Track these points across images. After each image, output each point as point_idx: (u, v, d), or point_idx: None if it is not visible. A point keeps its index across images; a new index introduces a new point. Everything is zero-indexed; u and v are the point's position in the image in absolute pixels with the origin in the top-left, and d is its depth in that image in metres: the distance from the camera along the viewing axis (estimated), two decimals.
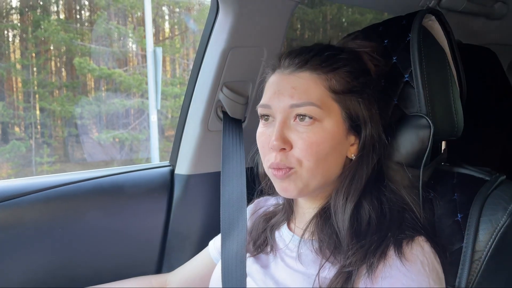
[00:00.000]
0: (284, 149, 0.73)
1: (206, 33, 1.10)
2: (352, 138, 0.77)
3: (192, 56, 5.99)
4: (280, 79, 0.77)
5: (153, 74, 4.93)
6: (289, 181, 0.74)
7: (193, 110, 1.15)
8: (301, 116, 0.73)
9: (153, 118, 4.96)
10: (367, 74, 0.79)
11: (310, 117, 0.73)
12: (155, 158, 5.19)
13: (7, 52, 5.58)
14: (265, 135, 0.77)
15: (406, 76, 0.82)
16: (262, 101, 0.79)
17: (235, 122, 1.12)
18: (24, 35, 5.71)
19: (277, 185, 0.77)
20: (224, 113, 1.13)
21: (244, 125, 1.15)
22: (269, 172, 0.77)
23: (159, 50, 4.92)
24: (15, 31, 5.65)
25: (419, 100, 0.80)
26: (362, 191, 0.75)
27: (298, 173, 0.74)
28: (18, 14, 5.61)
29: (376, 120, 0.77)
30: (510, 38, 1.42)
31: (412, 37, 0.82)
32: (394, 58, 0.84)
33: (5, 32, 5.53)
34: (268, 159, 0.76)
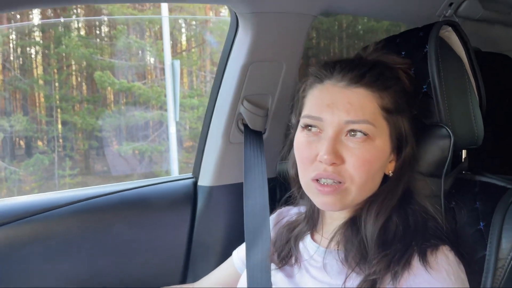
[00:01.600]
0: (335, 163, 0.73)
1: (227, 49, 1.13)
2: (392, 155, 0.78)
3: (209, 67, 6.07)
4: (334, 92, 0.76)
5: (172, 87, 5.00)
6: (334, 197, 0.74)
7: (214, 123, 1.18)
8: (354, 132, 0.73)
9: (172, 129, 5.03)
10: (408, 92, 0.80)
11: (364, 134, 0.73)
12: (174, 169, 5.24)
13: (30, 68, 5.74)
14: (309, 146, 0.76)
15: (424, 87, 0.84)
16: (311, 112, 0.77)
17: (255, 134, 1.15)
18: (46, 52, 5.87)
19: (319, 199, 0.76)
20: (245, 125, 1.16)
21: (264, 136, 1.17)
22: (311, 186, 0.77)
23: (177, 63, 4.99)
24: (37, 48, 5.82)
25: (438, 110, 0.82)
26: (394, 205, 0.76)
27: (348, 189, 0.74)
28: (40, 32, 5.78)
29: (413, 138, 0.79)
30: None
31: (430, 48, 0.83)
32: (412, 69, 0.86)
33: (28, 49, 5.70)
34: (312, 171, 0.75)
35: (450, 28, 0.88)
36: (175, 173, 5.19)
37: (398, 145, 0.78)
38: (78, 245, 1.07)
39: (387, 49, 0.86)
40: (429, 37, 0.84)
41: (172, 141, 5.10)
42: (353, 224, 0.78)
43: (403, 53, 0.88)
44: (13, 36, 5.53)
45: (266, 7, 1.02)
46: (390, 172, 0.79)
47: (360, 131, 0.73)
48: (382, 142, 0.75)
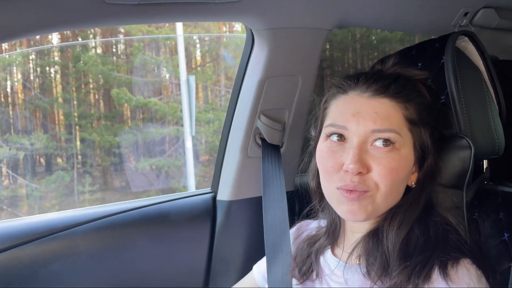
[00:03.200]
0: (361, 172, 0.73)
1: (243, 64, 1.15)
2: (414, 167, 0.78)
3: (224, 82, 6.12)
4: (359, 102, 0.76)
5: (187, 102, 5.06)
6: (360, 204, 0.74)
7: (232, 138, 1.19)
8: (380, 141, 0.73)
9: (188, 144, 5.07)
10: (429, 104, 0.80)
11: (391, 143, 0.73)
12: (191, 184, 5.27)
13: (49, 87, 5.88)
14: (333, 156, 0.76)
15: (442, 98, 0.84)
16: (335, 121, 0.77)
17: (273, 148, 1.16)
18: (65, 70, 6.00)
19: (343, 207, 0.76)
20: (262, 139, 1.17)
21: (281, 150, 1.18)
22: (335, 193, 0.76)
23: (192, 78, 5.06)
24: (56, 67, 5.96)
25: (457, 121, 0.81)
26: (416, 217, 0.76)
27: (372, 197, 0.74)
28: (59, 51, 5.93)
29: (435, 150, 0.79)
30: None
31: (446, 59, 0.83)
32: (429, 80, 0.86)
33: (47, 68, 5.85)
34: (338, 181, 0.75)
35: (466, 38, 0.88)
36: (192, 187, 5.22)
37: (421, 156, 0.78)
38: (101, 262, 1.09)
39: (403, 61, 0.87)
40: (446, 48, 0.84)
41: (189, 155, 5.15)
42: (374, 236, 0.77)
43: (419, 64, 0.89)
44: (33, 56, 5.69)
45: (280, 23, 1.04)
46: (412, 183, 0.79)
47: (387, 140, 0.73)
48: (407, 152, 0.75)
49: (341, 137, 0.76)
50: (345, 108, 0.77)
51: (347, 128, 0.76)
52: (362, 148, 0.74)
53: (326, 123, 0.80)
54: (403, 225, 0.75)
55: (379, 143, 0.74)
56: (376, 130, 0.74)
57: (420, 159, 0.78)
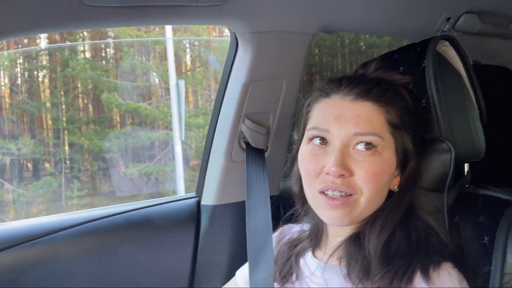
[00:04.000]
0: (343, 175, 0.73)
1: (227, 68, 1.15)
2: (396, 171, 0.78)
3: (214, 86, 6.12)
4: (341, 105, 0.76)
5: (177, 106, 5.04)
6: (343, 211, 0.74)
7: (217, 142, 1.19)
8: (362, 145, 0.73)
9: (178, 149, 5.05)
10: (410, 108, 0.80)
11: (373, 147, 0.73)
12: (180, 188, 5.25)
13: (37, 91, 5.82)
14: (315, 159, 0.76)
15: (423, 101, 0.84)
16: (318, 124, 0.78)
17: (257, 152, 1.15)
18: (53, 75, 5.95)
19: (327, 213, 0.76)
20: (247, 143, 1.17)
21: (266, 154, 1.18)
22: (318, 199, 0.76)
23: (182, 83, 5.04)
24: (44, 71, 5.91)
25: (438, 124, 0.82)
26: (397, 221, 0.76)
27: (356, 202, 0.74)
28: (47, 55, 5.88)
29: (417, 154, 0.79)
30: None
31: (427, 63, 0.84)
32: (410, 84, 0.86)
33: (35, 72, 5.79)
34: (319, 183, 0.75)
35: (447, 43, 0.89)
36: (181, 192, 5.19)
37: (403, 160, 0.78)
38: (84, 267, 1.07)
39: (386, 65, 0.87)
40: (427, 52, 0.85)
41: (178, 160, 5.12)
42: (356, 240, 0.77)
43: (401, 68, 0.89)
44: (21, 60, 5.63)
45: (265, 27, 1.04)
46: (395, 187, 0.79)
47: (369, 143, 0.73)
48: (389, 156, 0.76)
49: (323, 141, 0.76)
50: (328, 111, 0.77)
51: (330, 131, 0.76)
52: (344, 151, 0.74)
53: (308, 126, 0.80)
54: (384, 229, 0.75)
55: (361, 147, 0.74)
56: (358, 133, 0.74)
57: (402, 163, 0.78)
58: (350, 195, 0.74)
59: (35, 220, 1.11)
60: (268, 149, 1.19)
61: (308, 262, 0.84)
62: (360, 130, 0.74)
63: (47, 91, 5.91)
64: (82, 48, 6.08)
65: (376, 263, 0.73)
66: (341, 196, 0.74)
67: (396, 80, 0.81)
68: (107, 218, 1.11)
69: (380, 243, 0.74)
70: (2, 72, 5.43)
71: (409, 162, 0.78)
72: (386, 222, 0.76)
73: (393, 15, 1.16)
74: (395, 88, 0.80)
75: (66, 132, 5.81)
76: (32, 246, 1.02)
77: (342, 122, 0.75)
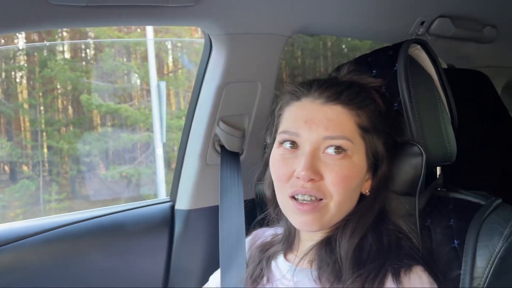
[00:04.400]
0: (313, 179, 0.72)
1: (201, 70, 1.13)
2: (367, 174, 0.78)
3: None
4: (311, 109, 0.76)
5: (158, 108, 5.00)
6: (314, 216, 0.73)
7: (191, 145, 1.17)
8: (332, 148, 0.73)
9: (159, 151, 5.00)
10: (382, 112, 0.80)
11: (343, 151, 0.73)
12: (161, 191, 5.20)
13: (14, 92, 5.69)
14: (285, 163, 0.75)
15: (395, 104, 0.84)
16: (288, 128, 0.77)
17: (232, 155, 1.14)
18: (31, 76, 5.84)
19: (297, 219, 0.75)
20: (222, 146, 1.15)
21: (241, 157, 1.16)
22: (289, 204, 0.75)
23: (163, 84, 5.00)
24: (22, 72, 5.79)
25: (410, 128, 0.82)
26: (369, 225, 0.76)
27: (326, 206, 0.74)
28: (25, 55, 5.76)
29: (388, 157, 0.79)
30: (501, 61, 1.44)
31: (399, 67, 0.84)
32: (383, 87, 0.86)
33: (13, 73, 5.67)
34: (289, 187, 0.74)
35: (419, 46, 0.89)
36: (162, 195, 5.14)
37: (374, 164, 0.78)
38: (51, 276, 1.04)
39: (359, 68, 0.87)
40: (398, 56, 0.85)
41: (159, 163, 5.07)
42: (327, 244, 0.77)
43: (374, 71, 0.89)
44: None
45: (238, 29, 1.03)
46: (366, 191, 0.79)
47: (339, 147, 0.73)
48: (359, 159, 0.75)
49: (294, 144, 0.76)
50: (298, 115, 0.77)
51: (300, 135, 0.75)
52: (314, 155, 0.73)
53: (279, 130, 0.79)
54: (355, 233, 0.75)
55: (331, 151, 0.73)
56: (328, 137, 0.73)
57: (373, 166, 0.78)
58: (320, 199, 0.73)
59: None
60: (243, 152, 1.18)
61: (280, 265, 0.83)
62: (330, 133, 0.73)
63: (25, 92, 5.80)
64: (61, 49, 5.98)
65: (347, 267, 0.72)
66: (311, 200, 0.73)
67: (368, 83, 0.81)
68: (76, 224, 1.08)
69: (352, 247, 0.74)
70: None
71: (380, 166, 0.77)
72: (358, 226, 0.75)
73: (368, 18, 1.16)
74: (367, 91, 0.79)
75: (44, 134, 5.70)
76: None
77: (312, 126, 0.74)
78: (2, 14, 0.77)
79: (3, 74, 5.56)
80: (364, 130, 0.76)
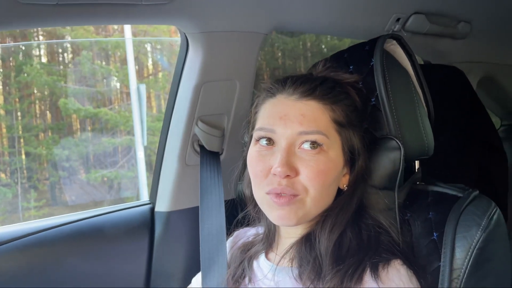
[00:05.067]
0: (289, 175, 0.72)
1: (178, 69, 1.12)
2: (344, 169, 0.78)
3: None
4: (286, 105, 0.76)
5: (138, 111, 4.94)
6: (290, 209, 0.73)
7: (170, 146, 1.15)
8: (308, 144, 0.73)
9: (140, 154, 4.94)
10: (358, 107, 0.80)
11: (318, 146, 0.73)
12: (144, 194, 5.14)
13: None
14: (262, 160, 0.75)
15: (372, 99, 0.84)
16: (264, 125, 0.77)
17: (212, 155, 1.13)
18: (7, 81, 5.71)
19: (274, 213, 0.75)
20: (201, 146, 1.14)
21: (222, 157, 1.15)
22: (266, 199, 0.75)
23: (143, 87, 4.94)
24: None
25: (387, 122, 0.82)
26: (348, 220, 0.75)
27: (302, 201, 0.73)
28: (0, 60, 5.63)
29: (365, 152, 0.79)
30: (475, 56, 1.47)
31: (375, 62, 0.84)
32: (360, 83, 0.86)
33: None
34: (266, 185, 0.74)
35: (394, 42, 0.89)
36: (144, 198, 5.08)
37: (351, 158, 0.78)
38: (29, 282, 1.01)
39: (336, 64, 0.87)
40: (375, 51, 0.85)
41: (141, 166, 5.01)
42: (307, 241, 0.77)
43: (351, 67, 0.89)
44: None
45: (214, 27, 1.01)
46: (344, 186, 0.79)
47: (314, 142, 0.73)
48: (335, 154, 0.75)
49: (270, 141, 0.75)
50: (273, 111, 0.77)
51: (275, 131, 0.75)
52: (290, 151, 0.73)
53: (255, 127, 0.79)
54: (335, 228, 0.75)
55: (306, 146, 0.73)
56: (303, 132, 0.73)
57: (350, 161, 0.78)
58: (295, 195, 0.73)
59: None
60: (223, 152, 1.17)
61: (261, 264, 0.83)
62: (305, 129, 0.73)
63: (1, 98, 5.66)
64: (37, 53, 5.87)
65: (327, 263, 0.72)
66: (288, 195, 0.73)
67: (343, 79, 0.81)
68: (54, 229, 1.05)
69: (331, 243, 0.74)
70: None
71: (357, 161, 0.78)
72: (336, 221, 0.75)
73: (344, 15, 1.16)
74: (341, 86, 0.79)
75: (22, 140, 5.58)
76: None
77: (287, 122, 0.74)
78: None
79: None
80: (340, 125, 0.76)
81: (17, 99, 5.64)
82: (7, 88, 5.64)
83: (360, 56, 0.88)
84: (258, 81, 1.16)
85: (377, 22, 1.19)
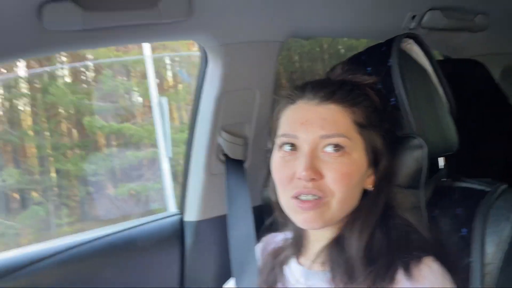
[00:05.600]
0: (314, 179, 0.73)
1: (199, 82, 1.15)
2: (369, 170, 0.78)
3: None
4: (307, 110, 0.77)
5: (161, 124, 5.02)
6: (315, 212, 0.74)
7: (195, 156, 1.18)
8: (331, 147, 0.74)
9: (165, 166, 5.01)
10: (378, 108, 0.81)
11: (341, 148, 0.74)
12: (171, 206, 5.20)
13: (18, 120, 5.75)
14: (286, 166, 0.77)
15: (392, 100, 0.84)
16: (286, 131, 0.78)
17: (237, 163, 1.15)
18: (34, 103, 5.89)
19: (299, 216, 0.76)
20: (226, 155, 1.16)
21: (246, 165, 1.17)
22: (291, 203, 0.76)
23: (165, 100, 5.02)
24: (24, 99, 5.84)
25: (408, 121, 0.82)
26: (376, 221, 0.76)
27: (327, 204, 0.74)
28: (27, 83, 5.82)
29: (388, 152, 0.79)
30: (495, 48, 1.45)
31: (393, 62, 0.84)
32: (378, 83, 0.87)
33: (15, 101, 5.72)
34: (291, 189, 0.75)
35: (411, 41, 0.89)
36: (172, 209, 5.14)
37: (374, 159, 0.78)
38: None
39: (354, 67, 0.88)
40: (391, 51, 0.86)
41: (166, 178, 5.07)
42: (338, 243, 0.77)
43: (368, 69, 0.90)
44: (0, 90, 5.58)
45: (232, 39, 1.04)
46: (370, 186, 0.79)
47: (337, 145, 0.74)
48: (358, 156, 0.76)
49: (293, 147, 0.77)
50: (294, 117, 0.78)
51: (297, 137, 0.76)
52: (313, 155, 0.74)
53: (278, 134, 0.80)
54: (364, 230, 0.75)
55: (329, 149, 0.74)
56: (324, 136, 0.74)
57: (374, 161, 0.78)
58: (321, 197, 0.74)
59: (11, 252, 1.08)
60: (247, 159, 1.18)
61: (293, 269, 0.84)
62: (326, 132, 0.74)
63: (29, 119, 5.85)
64: (61, 74, 6.04)
65: (359, 265, 0.73)
66: (313, 198, 0.74)
67: (361, 81, 0.82)
68: (88, 244, 1.09)
69: (362, 244, 0.74)
70: None
71: (381, 161, 0.78)
72: (365, 223, 0.76)
73: (358, 17, 1.17)
74: (361, 88, 0.80)
75: (51, 159, 5.74)
76: (9, 281, 0.98)
77: (308, 127, 0.75)
78: (6, 41, 0.79)
79: (7, 104, 5.62)
80: (361, 126, 0.76)
81: (44, 120, 5.82)
82: (35, 109, 5.82)
83: (378, 57, 0.89)
84: (277, 86, 1.18)
85: (393, 21, 1.19)
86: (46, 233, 5.25)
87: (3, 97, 5.58)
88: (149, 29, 0.92)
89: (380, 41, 0.96)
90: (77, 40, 0.86)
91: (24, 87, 5.89)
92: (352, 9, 1.14)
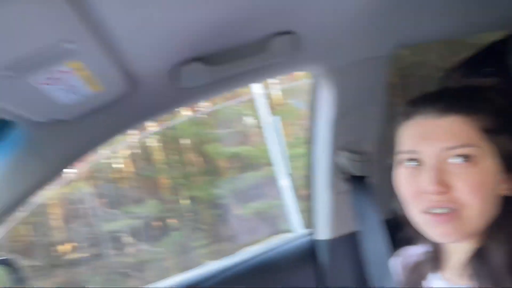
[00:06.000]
0: (442, 192, 0.72)
1: (313, 106, 1.19)
2: (504, 175, 0.75)
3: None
4: (426, 125, 0.75)
5: (276, 142, 5.19)
6: (451, 225, 0.73)
7: (318, 178, 1.23)
8: (458, 158, 0.72)
9: (284, 183, 5.14)
10: (505, 109, 0.77)
11: (469, 158, 0.72)
12: (295, 222, 5.30)
13: (151, 156, 6.43)
14: (411, 181, 0.76)
15: None
16: (406, 147, 0.77)
17: (360, 179, 1.17)
18: (161, 138, 6.53)
19: (435, 230, 0.75)
20: (348, 173, 1.19)
21: (370, 180, 1.18)
22: (422, 218, 0.75)
23: (277, 119, 5.19)
24: (154, 138, 6.53)
25: None
26: None
27: (461, 216, 0.72)
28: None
29: None
30: None
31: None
32: (502, 84, 0.82)
33: (148, 139, 6.43)
34: (420, 203, 0.75)
35: None
36: (295, 224, 5.24)
37: (509, 163, 0.74)
38: None
39: (469, 69, 0.85)
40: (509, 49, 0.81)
41: (287, 194, 5.20)
42: (481, 255, 0.75)
43: (487, 70, 0.86)
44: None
45: (339, 61, 1.06)
46: (507, 192, 0.75)
47: (463, 155, 0.71)
48: (489, 163, 0.73)
49: (416, 162, 0.76)
50: (414, 133, 0.77)
51: (420, 152, 0.75)
52: (439, 168, 0.73)
53: (398, 150, 0.80)
54: (509, 239, 0.72)
55: (457, 160, 0.72)
56: (449, 147, 0.72)
57: (509, 165, 0.74)
58: (455, 210, 0.72)
59: (170, 280, 1.22)
60: (370, 175, 1.20)
61: (437, 284, 0.82)
62: (451, 144, 0.72)
63: (159, 154, 6.49)
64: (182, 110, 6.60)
65: (508, 277, 0.70)
66: (447, 211, 0.72)
67: (481, 84, 0.79)
68: (233, 268, 1.19)
69: (509, 255, 0.71)
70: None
71: None
72: (508, 231, 0.72)
73: (466, 11, 1.10)
74: (482, 93, 0.77)
75: (182, 187, 6.28)
76: None
77: (431, 141, 0.74)
78: (145, 107, 0.93)
79: (141, 143, 6.32)
80: (489, 133, 0.73)
81: (172, 152, 6.42)
82: (163, 144, 6.45)
83: (495, 56, 0.85)
84: (390, 98, 1.17)
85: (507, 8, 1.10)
86: (186, 255, 5.75)
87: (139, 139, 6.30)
88: (263, 69, 1.00)
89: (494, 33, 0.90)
90: (205, 91, 0.97)
91: (152, 126, 6.57)
92: (459, 4, 1.08)
